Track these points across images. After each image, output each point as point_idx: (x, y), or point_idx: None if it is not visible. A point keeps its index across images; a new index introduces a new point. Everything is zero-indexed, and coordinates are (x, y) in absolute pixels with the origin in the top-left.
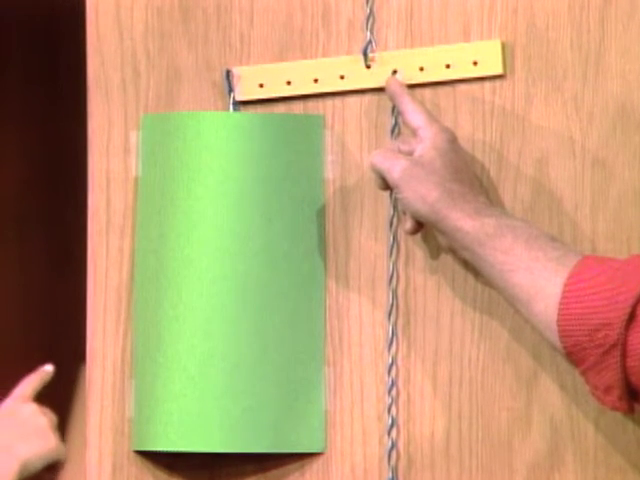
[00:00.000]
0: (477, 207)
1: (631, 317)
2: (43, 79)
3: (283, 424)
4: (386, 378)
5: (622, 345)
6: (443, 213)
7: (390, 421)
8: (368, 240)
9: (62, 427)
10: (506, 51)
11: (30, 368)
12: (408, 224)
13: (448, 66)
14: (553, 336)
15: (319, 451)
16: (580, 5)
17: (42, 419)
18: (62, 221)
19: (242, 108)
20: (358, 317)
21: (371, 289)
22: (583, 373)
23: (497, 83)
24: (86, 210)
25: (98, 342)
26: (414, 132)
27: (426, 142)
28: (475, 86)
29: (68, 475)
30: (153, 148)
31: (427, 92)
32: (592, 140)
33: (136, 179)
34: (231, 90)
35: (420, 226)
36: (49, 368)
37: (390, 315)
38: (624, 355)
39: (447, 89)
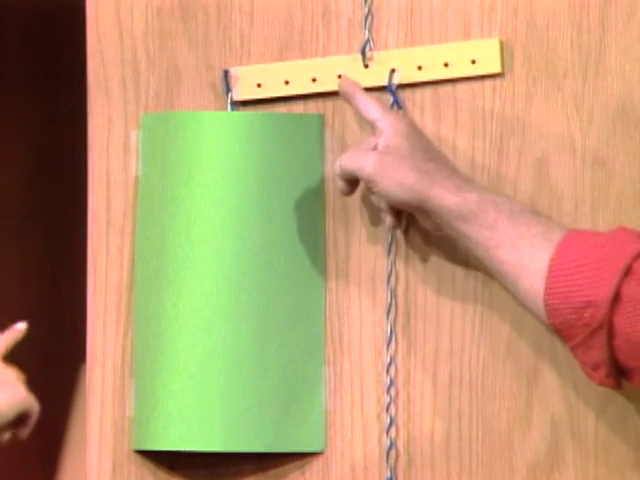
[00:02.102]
0: (457, 183)
1: (616, 295)
2: (43, 79)
3: (283, 424)
4: (385, 377)
5: (608, 325)
6: (425, 193)
7: (389, 420)
8: (368, 239)
9: (62, 427)
10: (506, 50)
11: (31, 367)
12: (388, 219)
13: (446, 65)
14: (541, 313)
15: (319, 450)
16: (580, 4)
17: (8, 372)
18: (62, 221)
19: (243, 108)
20: (358, 316)
21: (371, 288)
22: (572, 349)
23: (497, 82)
24: (86, 210)
25: (98, 341)
26: (372, 126)
27: (387, 131)
28: (475, 85)
29: (68, 475)
30: (153, 147)
31: (427, 92)
32: (592, 139)
33: (136, 178)
34: (229, 90)
35: (400, 217)
36: (21, 326)
37: (389, 314)
38: (610, 335)
39: (447, 89)
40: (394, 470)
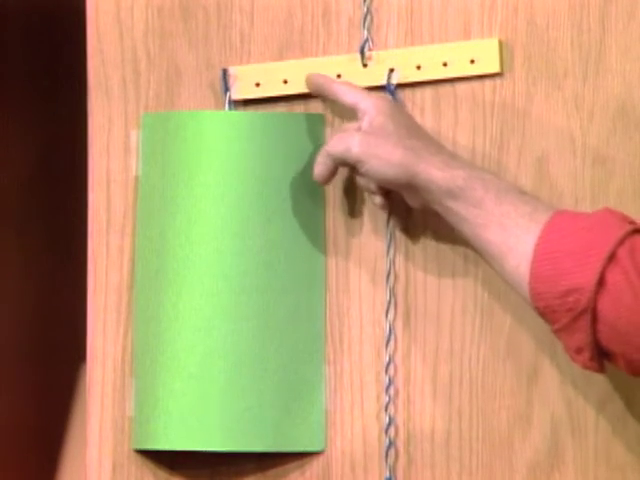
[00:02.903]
0: (444, 159)
1: (600, 281)
2: (43, 79)
3: (283, 423)
4: (383, 377)
5: (592, 310)
6: (412, 170)
7: (387, 420)
8: (368, 238)
9: (62, 427)
10: (507, 50)
11: (30, 367)
12: (377, 199)
13: (445, 64)
14: (526, 295)
15: (319, 450)
16: (580, 4)
17: None
18: (63, 220)
19: (243, 107)
20: (358, 316)
21: (371, 288)
22: (555, 332)
23: (497, 82)
24: (86, 210)
25: (98, 341)
26: (354, 109)
27: (370, 111)
28: (475, 85)
29: (68, 475)
30: (153, 147)
31: (427, 91)
32: (592, 139)
33: (136, 178)
34: (227, 89)
35: (389, 198)
36: None
37: (388, 313)
38: (594, 320)
39: (447, 88)
40: (393, 470)
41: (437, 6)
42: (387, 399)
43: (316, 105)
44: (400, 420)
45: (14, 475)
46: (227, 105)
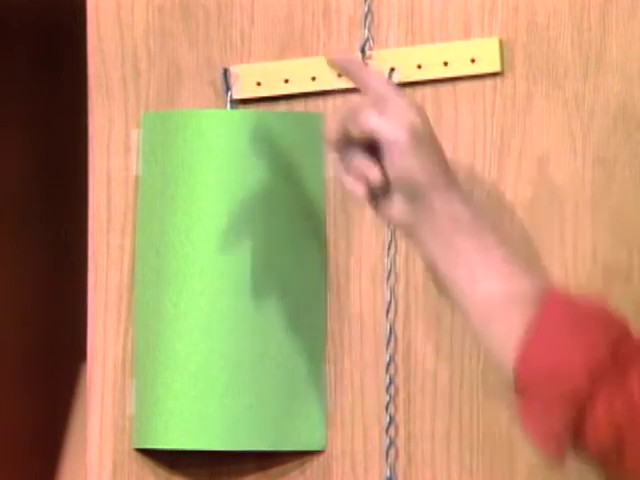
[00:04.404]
0: (461, 196)
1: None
2: (44, 78)
3: (284, 422)
4: (384, 376)
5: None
6: (427, 194)
7: (388, 419)
8: (369, 238)
9: (62, 426)
10: (507, 49)
11: (31, 366)
12: (398, 206)
13: (446, 64)
14: (505, 375)
15: (320, 449)
16: (581, 3)
17: None
18: (63, 219)
19: (243, 107)
20: (359, 315)
21: (372, 287)
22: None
23: (498, 81)
24: (87, 209)
25: (99, 340)
26: (383, 99)
27: (409, 113)
28: (476, 84)
29: (68, 474)
30: (154, 146)
31: (428, 90)
32: (593, 138)
33: (137, 177)
34: (228, 89)
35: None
36: None
37: (388, 313)
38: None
39: (448, 87)
40: (394, 469)
41: (438, 5)
42: (387, 398)
43: (316, 104)
44: (400, 419)
45: (14, 475)
46: (228, 104)
